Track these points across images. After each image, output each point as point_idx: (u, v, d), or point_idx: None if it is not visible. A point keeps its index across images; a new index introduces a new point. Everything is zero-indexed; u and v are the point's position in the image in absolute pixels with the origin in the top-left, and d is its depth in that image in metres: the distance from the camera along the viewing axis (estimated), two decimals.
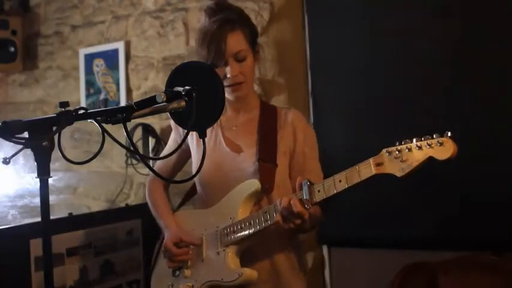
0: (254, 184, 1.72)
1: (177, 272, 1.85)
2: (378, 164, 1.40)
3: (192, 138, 1.91)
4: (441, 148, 1.31)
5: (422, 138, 1.35)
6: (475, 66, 2.27)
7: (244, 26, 1.78)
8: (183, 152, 1.94)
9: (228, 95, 1.79)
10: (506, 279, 2.07)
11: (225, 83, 1.76)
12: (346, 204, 2.42)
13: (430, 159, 1.32)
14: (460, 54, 2.30)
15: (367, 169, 1.43)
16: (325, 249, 2.59)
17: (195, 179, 1.90)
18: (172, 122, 2.00)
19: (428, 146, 1.32)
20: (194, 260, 1.82)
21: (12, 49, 3.43)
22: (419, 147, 1.33)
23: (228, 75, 1.74)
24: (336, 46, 2.53)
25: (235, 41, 1.74)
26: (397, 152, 1.37)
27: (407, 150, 1.35)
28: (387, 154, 1.39)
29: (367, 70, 2.46)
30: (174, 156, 1.92)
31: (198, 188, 1.93)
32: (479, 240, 2.23)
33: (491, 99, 2.25)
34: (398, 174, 1.37)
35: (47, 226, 1.11)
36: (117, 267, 2.52)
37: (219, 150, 1.83)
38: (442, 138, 1.31)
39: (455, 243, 2.27)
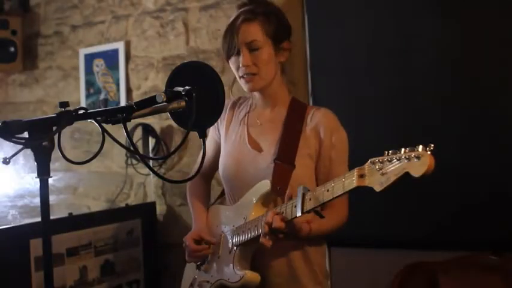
0: (266, 185, 1.71)
1: (201, 266, 1.89)
2: (361, 176, 1.36)
3: (222, 129, 1.91)
4: (417, 163, 1.22)
5: (408, 149, 1.27)
6: (475, 65, 2.27)
7: (266, 18, 1.75)
8: (218, 146, 1.94)
9: (243, 86, 1.78)
10: (506, 279, 2.07)
11: (239, 73, 1.76)
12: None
13: (407, 175, 1.24)
14: (460, 54, 2.29)
15: (350, 180, 1.39)
16: None
17: (220, 175, 1.91)
18: None
19: (406, 160, 1.24)
20: (213, 256, 1.85)
21: (12, 49, 3.43)
22: (399, 160, 1.26)
23: (240, 65, 1.74)
24: (336, 46, 2.53)
25: (249, 31, 1.73)
26: (380, 164, 1.31)
27: (388, 162, 1.29)
28: (371, 165, 1.34)
29: (367, 70, 2.46)
30: (211, 151, 1.95)
31: (223, 184, 1.94)
32: (479, 240, 2.23)
33: (491, 99, 2.25)
34: (377, 188, 1.31)
35: (47, 226, 1.11)
36: (117, 267, 2.52)
37: (242, 147, 1.83)
38: (420, 152, 1.23)
39: (455, 243, 2.27)
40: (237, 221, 1.77)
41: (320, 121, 1.78)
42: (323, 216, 1.57)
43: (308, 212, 1.53)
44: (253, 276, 1.70)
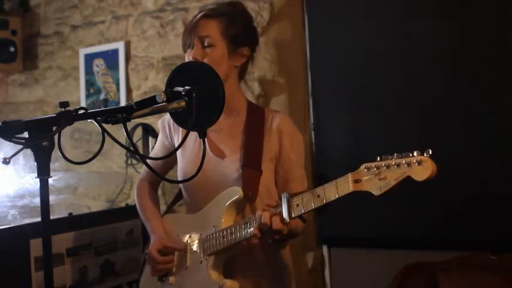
0: (237, 192, 1.68)
1: (163, 278, 1.84)
2: (356, 181, 1.37)
3: (178, 140, 1.88)
4: (419, 168, 1.26)
5: (402, 154, 1.30)
6: (476, 64, 2.27)
7: (228, 20, 1.76)
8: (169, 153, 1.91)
9: None
10: (506, 279, 2.07)
11: None
12: (346, 204, 2.41)
13: (408, 179, 1.28)
14: (460, 53, 2.30)
15: (345, 185, 1.39)
16: (325, 249, 2.58)
17: (181, 184, 1.89)
18: (159, 123, 1.98)
19: (406, 165, 1.28)
20: (179, 266, 1.81)
21: (12, 49, 3.43)
22: (398, 165, 1.29)
23: (191, 57, 1.74)
24: (336, 46, 2.53)
25: (205, 27, 1.74)
26: (375, 169, 1.33)
27: (385, 167, 1.31)
28: (365, 170, 1.36)
29: (367, 70, 2.46)
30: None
31: (183, 192, 1.91)
32: (479, 240, 2.23)
33: (492, 99, 2.25)
34: (376, 193, 1.34)
35: (47, 226, 1.11)
36: (117, 267, 2.52)
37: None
38: (421, 157, 1.26)
39: (455, 243, 2.27)
40: (205, 230, 1.73)
41: (280, 125, 1.78)
42: (305, 221, 1.57)
43: (294, 218, 1.52)
44: (233, 284, 1.67)
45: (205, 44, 1.73)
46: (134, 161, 3.01)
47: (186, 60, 1.77)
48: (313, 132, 2.54)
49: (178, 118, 1.26)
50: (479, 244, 2.22)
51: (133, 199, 3.09)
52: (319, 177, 2.39)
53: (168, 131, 1.92)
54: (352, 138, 2.47)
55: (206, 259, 1.71)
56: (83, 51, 3.31)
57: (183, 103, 1.18)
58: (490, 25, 2.25)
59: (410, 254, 2.30)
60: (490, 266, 2.14)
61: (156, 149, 2.00)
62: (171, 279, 1.81)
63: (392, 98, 2.40)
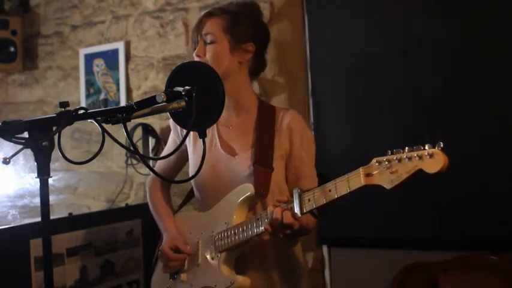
0: (248, 189, 1.69)
1: (175, 275, 1.85)
2: (368, 175, 1.38)
3: (189, 139, 1.89)
4: (431, 160, 1.26)
5: (414, 148, 1.31)
6: (476, 64, 2.27)
7: (233, 17, 1.77)
8: (182, 152, 1.92)
9: None
10: (506, 279, 2.07)
11: None
12: (346, 204, 2.42)
13: (420, 171, 1.28)
14: (460, 53, 2.30)
15: (356, 179, 1.40)
16: (325, 249, 2.59)
17: (192, 181, 1.88)
18: (171, 122, 2.00)
19: (418, 158, 1.28)
20: (190, 264, 1.82)
21: (12, 49, 3.43)
22: (409, 159, 1.29)
23: (194, 55, 1.79)
24: (336, 46, 2.53)
25: (208, 25, 1.77)
26: (386, 163, 1.34)
27: (397, 161, 1.32)
28: (377, 164, 1.36)
29: (367, 70, 2.46)
30: (174, 156, 1.89)
31: (194, 190, 1.92)
32: (479, 240, 2.23)
33: (491, 98, 2.25)
34: (387, 186, 1.34)
35: (47, 226, 1.11)
36: (117, 267, 2.52)
37: (214, 152, 1.81)
38: (433, 150, 1.27)
39: (455, 243, 2.27)
40: (217, 227, 1.74)
41: (290, 123, 1.79)
42: (317, 216, 1.57)
43: (306, 213, 1.53)
44: (244, 281, 1.68)
45: (208, 41, 1.76)
46: (134, 161, 3.01)
47: (195, 58, 1.80)
48: (313, 132, 2.54)
49: (178, 118, 1.26)
50: (479, 244, 2.22)
51: (133, 199, 3.10)
52: (319, 177, 2.38)
53: (179, 130, 1.92)
54: (352, 138, 2.47)
55: (218, 256, 1.72)
56: (83, 51, 3.31)
57: (183, 103, 1.18)
58: (490, 25, 2.25)
59: (410, 254, 2.30)
60: (490, 266, 2.14)
61: (168, 146, 2.01)
62: (183, 276, 1.82)
63: (393, 98, 2.40)
